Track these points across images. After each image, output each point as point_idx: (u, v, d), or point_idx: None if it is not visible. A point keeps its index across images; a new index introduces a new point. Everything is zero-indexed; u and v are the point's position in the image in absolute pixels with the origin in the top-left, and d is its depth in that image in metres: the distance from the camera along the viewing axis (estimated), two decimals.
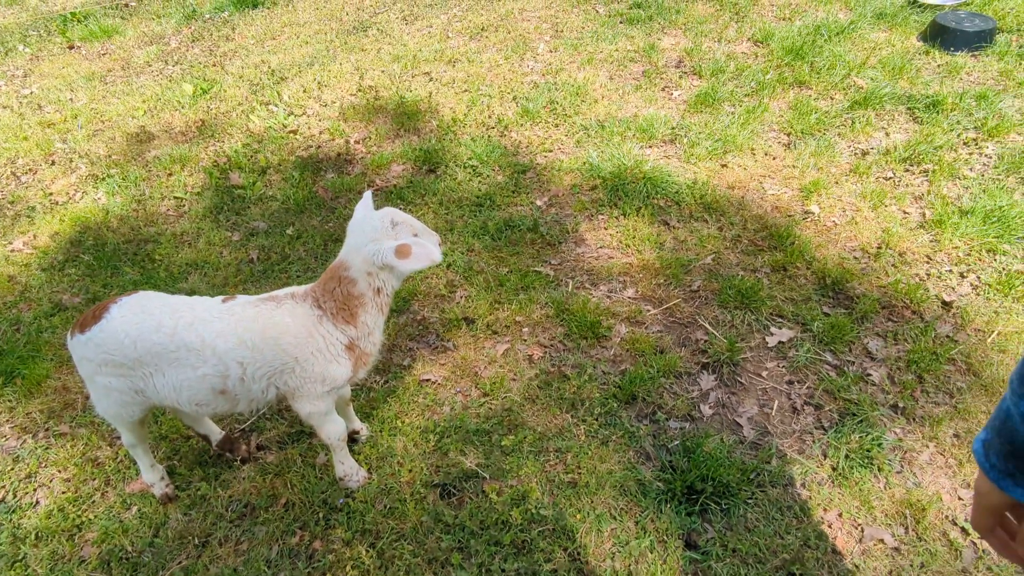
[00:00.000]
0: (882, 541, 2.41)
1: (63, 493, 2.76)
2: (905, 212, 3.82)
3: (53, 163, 4.95)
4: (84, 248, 4.09)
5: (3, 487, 2.80)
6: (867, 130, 4.43)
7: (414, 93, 5.24)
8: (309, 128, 5.03)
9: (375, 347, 2.43)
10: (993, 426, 1.04)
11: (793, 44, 5.26)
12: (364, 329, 2.34)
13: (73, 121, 5.44)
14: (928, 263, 3.49)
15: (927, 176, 4.01)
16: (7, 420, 3.08)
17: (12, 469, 2.86)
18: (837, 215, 3.82)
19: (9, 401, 3.15)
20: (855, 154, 4.29)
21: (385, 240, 2.23)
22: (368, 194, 2.37)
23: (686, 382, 3.03)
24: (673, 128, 4.61)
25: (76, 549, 2.57)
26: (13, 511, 2.71)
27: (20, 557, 2.55)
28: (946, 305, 3.25)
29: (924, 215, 3.76)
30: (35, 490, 2.81)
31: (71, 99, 5.84)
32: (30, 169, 4.92)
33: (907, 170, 4.09)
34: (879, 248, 3.58)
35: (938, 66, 4.98)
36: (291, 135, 4.95)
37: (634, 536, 2.45)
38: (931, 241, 3.60)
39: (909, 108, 4.57)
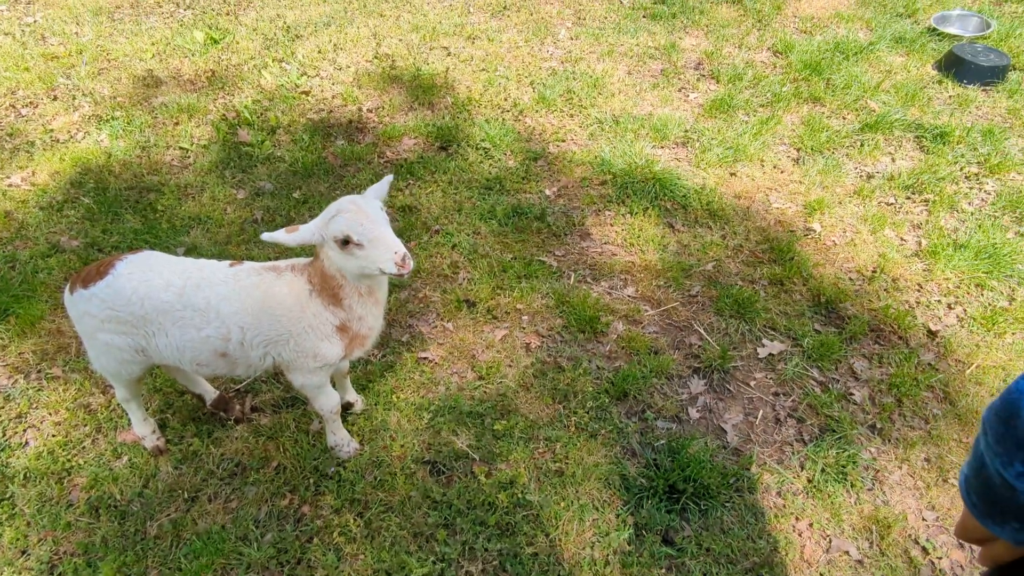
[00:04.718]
0: (847, 553, 2.53)
1: (53, 436, 2.77)
2: (902, 239, 3.91)
3: (55, 98, 4.85)
4: (85, 190, 4.04)
5: None
6: (875, 154, 4.50)
7: (431, 66, 5.20)
8: (322, 91, 4.98)
9: (371, 331, 2.38)
10: (972, 466, 1.07)
11: (812, 59, 5.29)
12: (352, 312, 2.26)
13: (78, 56, 5.32)
14: (919, 291, 3.59)
15: (927, 206, 4.10)
16: None
17: (3, 408, 2.87)
18: (837, 235, 3.90)
19: (1, 339, 3.13)
20: (861, 176, 4.37)
21: (316, 223, 2.10)
22: (388, 179, 2.29)
23: (677, 384, 3.11)
24: (686, 131, 4.64)
25: (65, 492, 2.60)
26: (2, 450, 2.72)
27: (7, 495, 2.57)
28: (931, 334, 3.35)
29: (920, 244, 3.85)
30: (24, 431, 2.82)
31: (76, 33, 5.70)
32: (31, 102, 4.82)
33: (908, 198, 4.17)
34: (874, 272, 3.67)
35: (949, 97, 5.05)
36: (303, 96, 4.90)
37: (614, 528, 2.53)
38: (924, 270, 3.69)
39: (917, 136, 4.64)
